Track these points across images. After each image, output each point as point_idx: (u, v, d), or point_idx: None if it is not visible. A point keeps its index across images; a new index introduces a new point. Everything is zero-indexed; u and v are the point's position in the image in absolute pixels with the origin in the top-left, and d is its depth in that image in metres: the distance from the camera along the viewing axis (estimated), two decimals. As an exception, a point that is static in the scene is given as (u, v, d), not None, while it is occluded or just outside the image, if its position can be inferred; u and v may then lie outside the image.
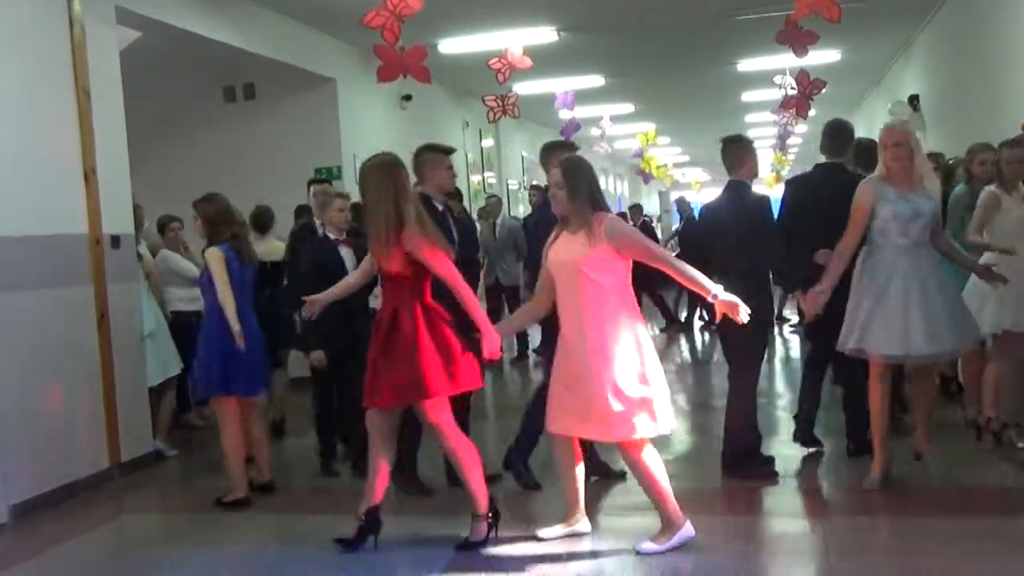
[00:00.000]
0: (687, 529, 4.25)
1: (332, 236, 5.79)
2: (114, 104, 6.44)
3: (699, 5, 9.58)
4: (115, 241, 6.30)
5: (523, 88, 10.92)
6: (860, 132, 18.22)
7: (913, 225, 4.79)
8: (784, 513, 4.95)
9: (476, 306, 4.35)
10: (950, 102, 10.38)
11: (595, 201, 4.24)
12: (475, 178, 14.24)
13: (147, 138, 7.17)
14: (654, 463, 4.23)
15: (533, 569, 4.15)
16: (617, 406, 4.08)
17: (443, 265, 4.28)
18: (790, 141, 18.08)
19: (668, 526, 4.25)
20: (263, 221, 7.51)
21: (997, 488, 5.00)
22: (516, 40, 9.27)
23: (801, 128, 15.92)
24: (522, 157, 17.09)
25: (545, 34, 10.01)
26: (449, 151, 5.32)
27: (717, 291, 4.18)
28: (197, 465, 6.92)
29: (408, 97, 11.46)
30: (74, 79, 6.04)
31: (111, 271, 6.22)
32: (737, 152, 5.40)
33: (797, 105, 9.35)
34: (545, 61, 9.79)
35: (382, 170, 4.34)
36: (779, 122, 13.61)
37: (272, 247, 7.27)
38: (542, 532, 4.48)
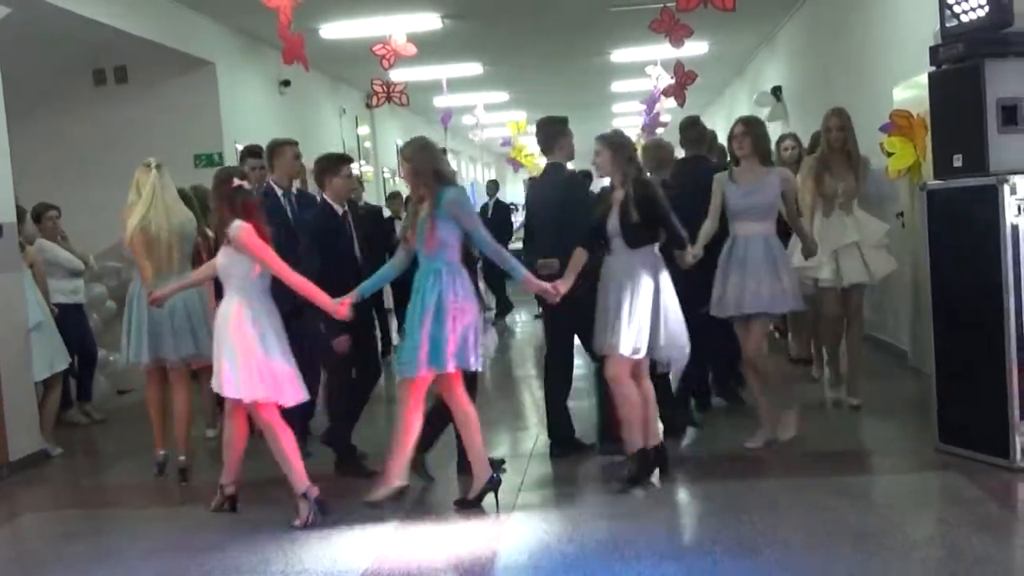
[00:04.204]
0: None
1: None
2: (-10, 85, 6.10)
3: (579, -5, 9.80)
4: (-4, 230, 5.97)
5: (400, 75, 10.83)
6: (721, 119, 18.83)
7: None
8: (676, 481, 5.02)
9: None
10: (812, 92, 10.98)
11: None
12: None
13: (12, 123, 6.69)
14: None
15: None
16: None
17: None
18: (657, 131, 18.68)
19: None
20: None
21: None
22: (399, 26, 9.22)
23: (666, 118, 16.48)
24: (396, 145, 16.98)
25: (429, 21, 9.99)
26: (347, 159, 5.45)
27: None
28: (86, 463, 6.66)
29: (287, 83, 11.25)
30: (-52, 58, 5.69)
31: (-8, 261, 5.89)
32: (552, 134, 5.53)
33: (675, 93, 9.73)
34: (424, 48, 9.78)
35: None
36: (650, 111, 14.10)
37: None
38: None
